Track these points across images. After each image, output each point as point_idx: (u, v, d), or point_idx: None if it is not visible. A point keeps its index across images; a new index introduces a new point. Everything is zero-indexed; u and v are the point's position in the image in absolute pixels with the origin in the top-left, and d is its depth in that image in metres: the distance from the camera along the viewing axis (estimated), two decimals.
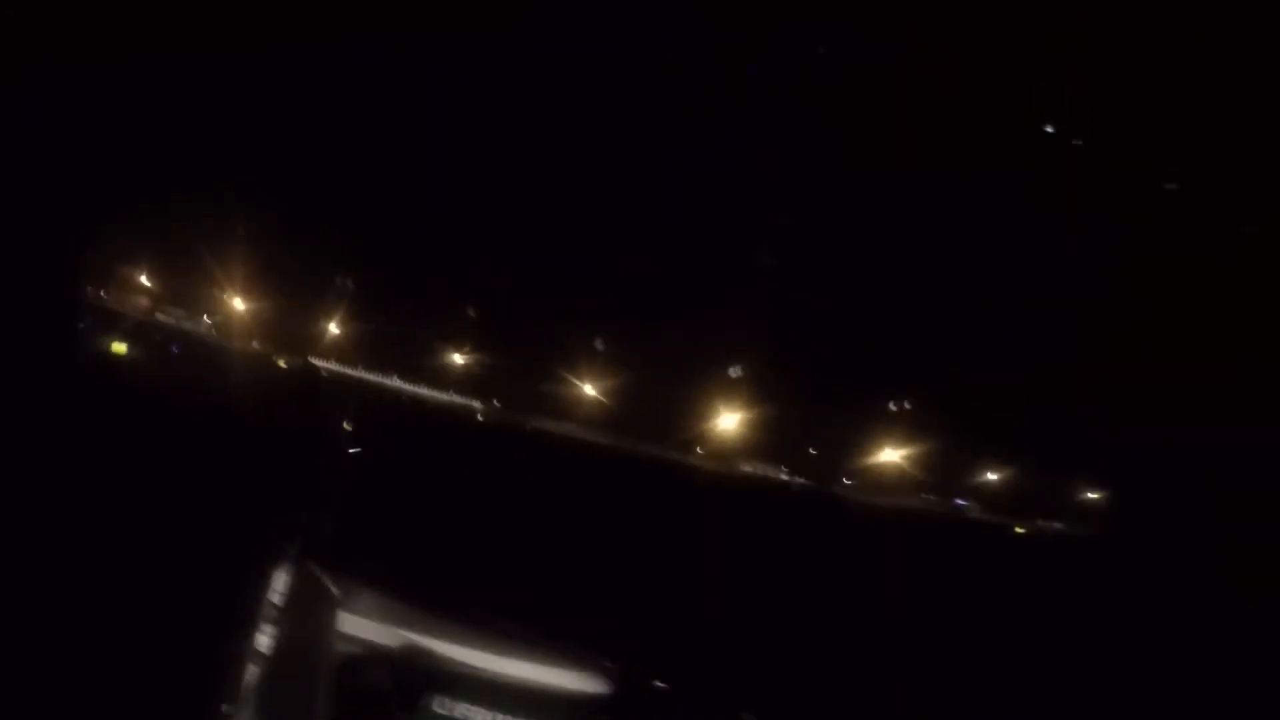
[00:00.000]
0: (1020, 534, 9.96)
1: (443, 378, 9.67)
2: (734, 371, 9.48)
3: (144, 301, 9.77)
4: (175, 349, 9.51)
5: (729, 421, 9.73)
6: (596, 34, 9.03)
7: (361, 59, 9.15)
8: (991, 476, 10.16)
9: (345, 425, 8.61)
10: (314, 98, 9.27)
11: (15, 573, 7.39)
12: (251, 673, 6.28)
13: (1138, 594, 8.89)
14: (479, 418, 9.62)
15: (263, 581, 6.27)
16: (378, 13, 9.30)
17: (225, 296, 9.45)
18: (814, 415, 9.86)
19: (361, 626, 6.45)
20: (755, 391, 9.71)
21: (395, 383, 9.50)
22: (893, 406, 9.86)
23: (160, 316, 9.80)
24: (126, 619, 7.12)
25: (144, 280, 9.70)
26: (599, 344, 9.50)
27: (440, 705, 6.27)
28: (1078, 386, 9.31)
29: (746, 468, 10.02)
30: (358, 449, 8.33)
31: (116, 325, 9.30)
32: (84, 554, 7.49)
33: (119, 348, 9.19)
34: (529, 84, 9.11)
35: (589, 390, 9.64)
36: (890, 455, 9.91)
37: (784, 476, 10.04)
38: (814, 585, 8.89)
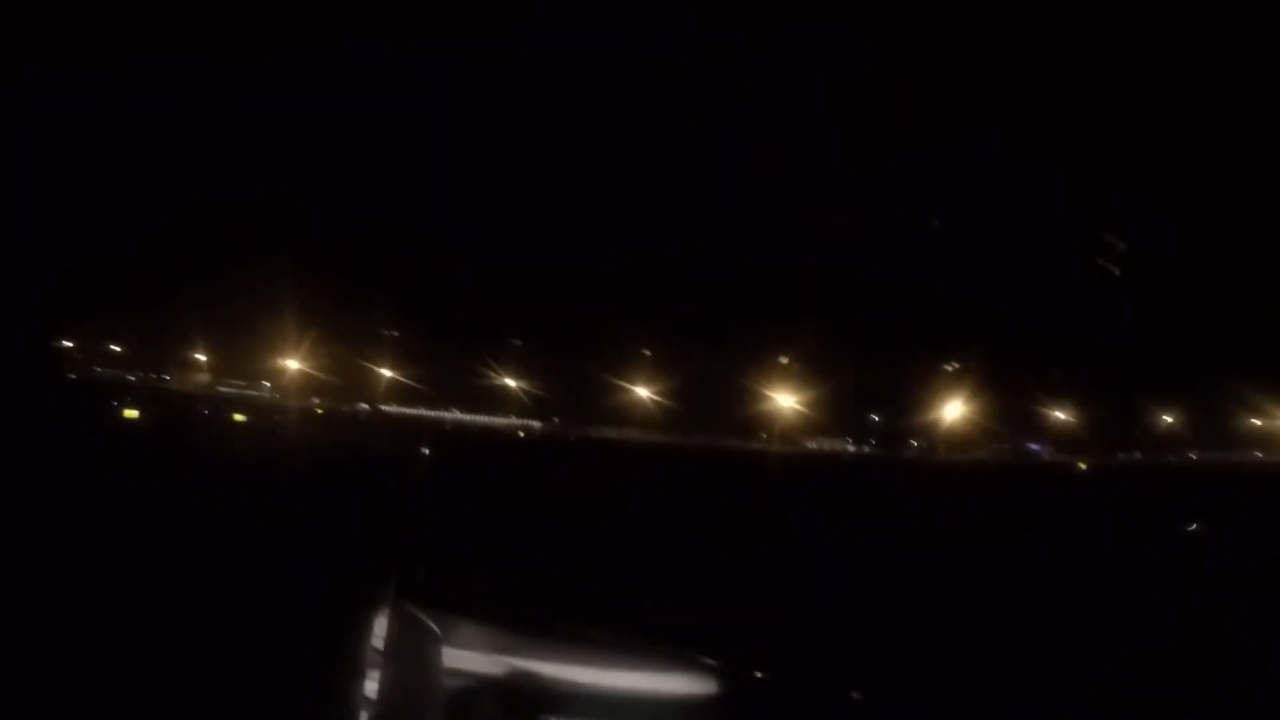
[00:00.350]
0: (1093, 469, 9.84)
1: (500, 403, 9.75)
2: (784, 356, 9.47)
3: (203, 376, 9.96)
4: (231, 415, 9.71)
5: (787, 402, 9.70)
6: (596, 34, 9.01)
7: (361, 59, 9.18)
8: (1060, 415, 10.09)
9: (415, 464, 8.68)
10: (313, 98, 9.32)
11: (111, 634, 7.51)
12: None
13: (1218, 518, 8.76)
14: (541, 436, 9.70)
15: (363, 629, 6.33)
16: (378, 13, 9.33)
17: (279, 359, 9.62)
18: (870, 382, 9.81)
19: (465, 659, 6.50)
20: (809, 368, 9.67)
21: (455, 415, 9.60)
22: (949, 364, 9.78)
23: (221, 388, 9.96)
24: (233, 680, 7.22)
25: (199, 356, 9.91)
26: (646, 347, 9.54)
27: None
28: (1134, 314, 9.21)
29: (812, 445, 9.98)
30: (431, 485, 8.39)
31: (129, 393, 9.53)
32: (183, 620, 7.61)
33: (130, 413, 9.38)
34: (529, 84, 9.12)
35: (644, 393, 9.67)
36: (953, 411, 9.84)
37: (850, 448, 9.98)
38: (899, 553, 8.83)
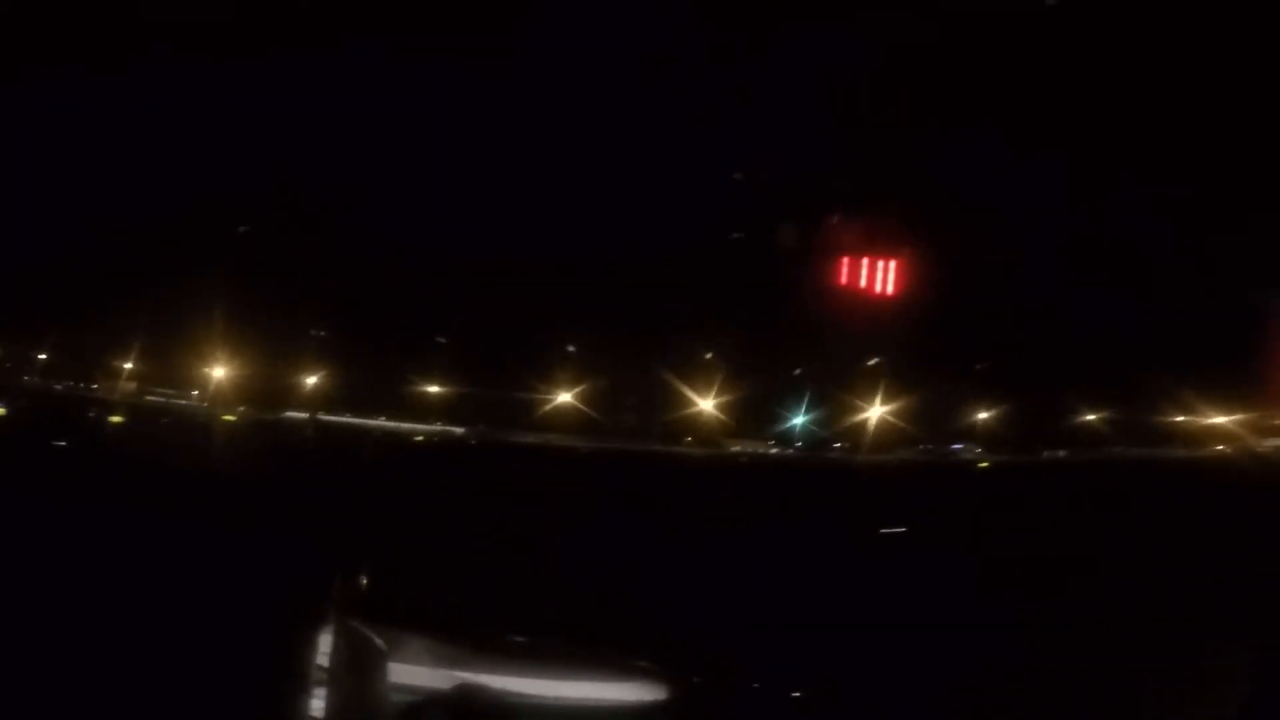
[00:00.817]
0: (1013, 466, 10.02)
1: (428, 410, 9.59)
2: (707, 354, 9.52)
3: (130, 385, 9.66)
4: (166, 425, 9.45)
5: (710, 405, 9.75)
6: (597, 34, 8.90)
7: (361, 59, 8.97)
8: (985, 414, 10.24)
9: (355, 475, 8.57)
10: (313, 98, 9.07)
11: (47, 658, 7.29)
12: None
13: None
14: (483, 443, 9.59)
15: (307, 647, 6.23)
16: (377, 13, 9.09)
17: (206, 366, 9.33)
18: (792, 384, 9.91)
19: (412, 674, 6.44)
20: (730, 370, 9.71)
21: (396, 423, 9.44)
22: (871, 362, 9.90)
23: (149, 397, 9.68)
24: (170, 704, 7.03)
25: (127, 364, 9.60)
26: (571, 348, 9.49)
27: None
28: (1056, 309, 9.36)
29: (735, 447, 10.05)
30: (372, 496, 8.27)
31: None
32: (116, 641, 7.39)
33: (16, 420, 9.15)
34: (529, 84, 8.97)
35: (568, 398, 9.61)
36: (877, 411, 9.95)
37: (773, 450, 10.06)
38: (829, 554, 8.94)
